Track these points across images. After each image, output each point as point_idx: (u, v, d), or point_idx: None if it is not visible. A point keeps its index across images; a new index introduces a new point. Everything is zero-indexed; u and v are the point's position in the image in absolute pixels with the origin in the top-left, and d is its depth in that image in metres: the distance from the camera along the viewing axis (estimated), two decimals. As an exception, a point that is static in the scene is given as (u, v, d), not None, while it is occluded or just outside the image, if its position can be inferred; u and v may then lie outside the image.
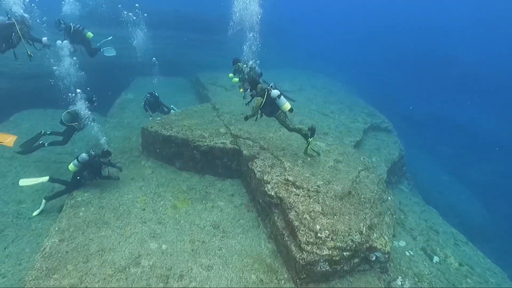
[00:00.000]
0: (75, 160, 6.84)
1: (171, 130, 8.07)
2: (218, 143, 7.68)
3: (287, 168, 6.77)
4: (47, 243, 5.33)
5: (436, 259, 6.84)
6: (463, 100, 24.92)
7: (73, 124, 7.91)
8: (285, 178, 6.42)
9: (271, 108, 6.87)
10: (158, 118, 8.80)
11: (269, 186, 6.26)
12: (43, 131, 8.22)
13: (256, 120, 7.22)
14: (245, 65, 8.87)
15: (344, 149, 8.27)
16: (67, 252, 5.18)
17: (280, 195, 5.98)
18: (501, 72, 27.51)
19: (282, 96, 6.70)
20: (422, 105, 23.80)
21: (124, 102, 12.20)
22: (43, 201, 6.75)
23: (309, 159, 7.36)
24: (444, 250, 7.31)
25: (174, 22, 19.94)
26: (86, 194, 6.71)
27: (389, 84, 26.15)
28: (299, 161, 7.14)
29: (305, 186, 6.24)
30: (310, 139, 6.97)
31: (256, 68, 9.02)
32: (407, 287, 5.76)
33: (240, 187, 7.62)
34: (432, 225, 8.37)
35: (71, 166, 6.84)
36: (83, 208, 6.28)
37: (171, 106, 10.79)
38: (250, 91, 7.30)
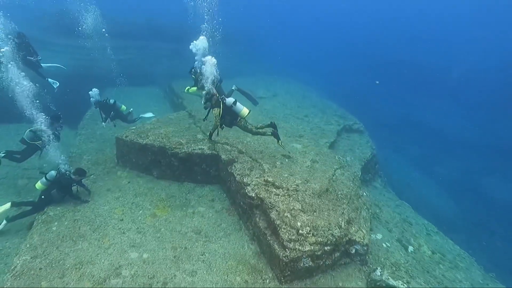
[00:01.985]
0: (43, 178, 6.53)
1: (147, 138, 7.95)
2: (196, 149, 7.67)
3: (266, 170, 6.89)
4: (17, 262, 5.03)
5: (411, 248, 7.20)
6: (429, 102, 26.60)
7: (36, 142, 7.54)
8: (264, 179, 6.53)
9: (230, 117, 6.83)
10: (133, 127, 8.63)
11: (250, 188, 6.33)
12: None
13: (218, 134, 7.09)
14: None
15: (319, 149, 8.55)
16: (40, 268, 4.92)
17: (261, 196, 6.07)
18: (462, 76, 29.79)
19: (238, 103, 6.69)
20: (392, 108, 25.10)
21: (95, 113, 11.75)
22: (4, 221, 6.25)
23: (287, 160, 7.54)
24: (418, 240, 7.71)
25: (146, 32, 19.78)
26: (58, 208, 6.42)
27: (360, 88, 27.34)
28: (277, 163, 7.29)
29: (284, 185, 6.38)
30: (279, 141, 7.12)
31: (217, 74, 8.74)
32: (386, 277, 6.00)
33: (220, 192, 7.62)
34: (406, 218, 8.80)
35: (38, 185, 6.52)
36: (56, 223, 6.00)
37: (140, 115, 10.62)
38: (205, 103, 7.14)
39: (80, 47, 14.98)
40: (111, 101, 9.70)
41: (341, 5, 46.11)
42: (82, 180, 6.92)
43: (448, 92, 27.98)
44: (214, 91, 7.58)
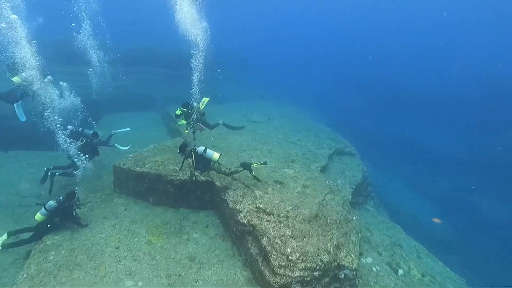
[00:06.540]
0: (42, 208, 6.65)
1: (144, 166, 8.24)
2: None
3: (258, 196, 7.15)
4: (15, 292, 5.17)
5: (400, 272, 7.36)
6: (419, 121, 27.37)
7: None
8: (256, 206, 6.78)
9: (203, 163, 7.36)
10: (131, 155, 8.93)
11: (242, 215, 6.58)
12: (46, 168, 8.79)
13: (195, 178, 7.70)
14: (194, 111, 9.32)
15: (310, 174, 8.84)
16: (37, 299, 5.06)
17: (253, 223, 6.31)
18: (449, 96, 30.88)
19: (208, 149, 7.26)
20: (383, 129, 25.75)
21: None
22: None
23: (278, 186, 7.81)
24: (408, 263, 7.88)
25: (145, 58, 20.55)
26: (56, 237, 6.59)
27: (353, 110, 28.17)
28: (269, 189, 7.57)
29: (275, 212, 6.62)
30: (252, 169, 7.55)
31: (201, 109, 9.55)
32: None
33: (214, 218, 7.84)
34: (396, 241, 8.99)
35: (38, 216, 6.60)
36: (53, 252, 6.16)
37: (115, 144, 10.60)
38: (179, 153, 7.55)
39: (82, 74, 15.50)
40: (79, 129, 9.74)
41: (330, 29, 48.33)
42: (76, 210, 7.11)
43: (437, 110, 28.90)
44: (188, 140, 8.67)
